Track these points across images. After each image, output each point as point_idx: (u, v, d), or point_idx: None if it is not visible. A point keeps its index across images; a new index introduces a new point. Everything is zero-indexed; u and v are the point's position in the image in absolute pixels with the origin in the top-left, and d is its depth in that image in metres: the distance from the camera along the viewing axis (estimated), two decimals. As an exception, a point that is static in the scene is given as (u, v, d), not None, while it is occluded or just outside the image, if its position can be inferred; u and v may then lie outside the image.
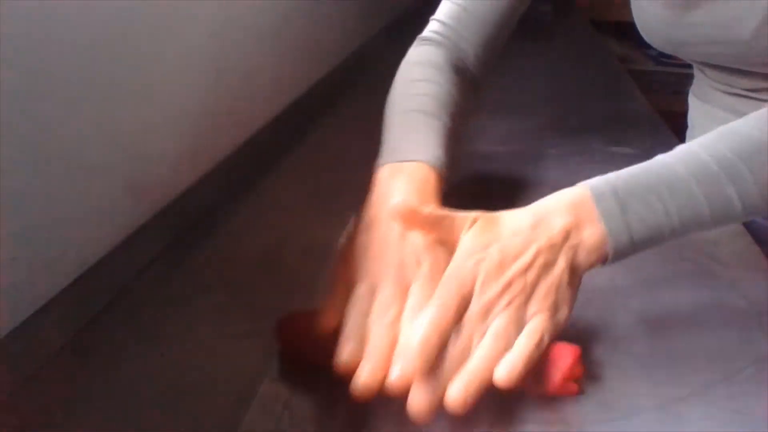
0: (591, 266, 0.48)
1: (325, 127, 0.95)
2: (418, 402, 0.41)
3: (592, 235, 0.48)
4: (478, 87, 0.72)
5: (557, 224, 0.48)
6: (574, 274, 0.47)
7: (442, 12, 0.72)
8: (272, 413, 0.44)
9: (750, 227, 0.67)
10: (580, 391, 0.45)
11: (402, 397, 0.42)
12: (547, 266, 0.46)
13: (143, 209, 0.62)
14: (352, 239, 0.51)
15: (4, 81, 0.44)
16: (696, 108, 0.86)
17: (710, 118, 0.81)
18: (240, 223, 0.69)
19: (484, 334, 0.44)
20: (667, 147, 0.52)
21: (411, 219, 0.48)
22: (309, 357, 0.47)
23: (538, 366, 0.44)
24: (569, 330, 0.46)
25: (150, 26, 0.60)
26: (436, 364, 0.42)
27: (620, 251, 0.48)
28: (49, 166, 0.49)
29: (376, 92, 0.67)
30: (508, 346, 0.44)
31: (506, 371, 0.42)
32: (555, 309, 0.46)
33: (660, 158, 0.51)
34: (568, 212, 0.48)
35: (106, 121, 0.55)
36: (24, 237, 0.47)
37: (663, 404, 0.44)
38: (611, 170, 0.53)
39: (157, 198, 0.64)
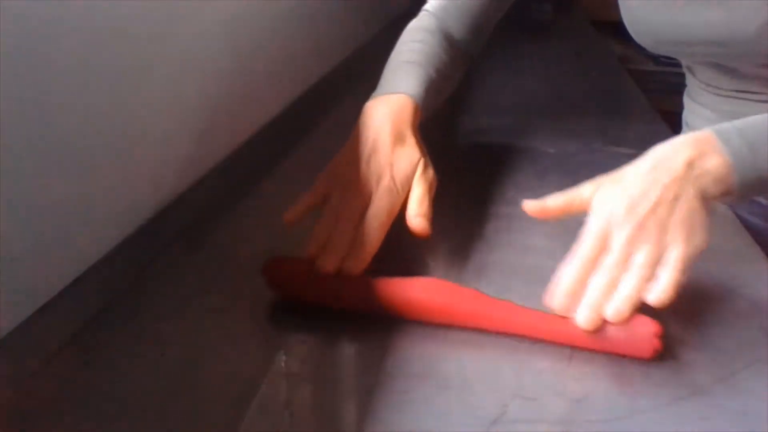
0: (720, 195, 0.50)
1: (325, 128, 0.95)
2: (583, 319, 0.47)
3: (715, 165, 0.50)
4: (468, 59, 0.78)
5: (678, 160, 0.50)
6: (705, 201, 0.49)
7: None
8: (272, 413, 0.44)
9: (749, 227, 0.67)
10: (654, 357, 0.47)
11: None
12: (677, 199, 0.49)
13: (143, 210, 0.62)
14: (335, 159, 0.60)
15: (4, 82, 0.44)
16: (689, 107, 0.86)
17: (702, 117, 0.81)
18: (240, 223, 0.70)
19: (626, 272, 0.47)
20: (667, 147, 0.52)
21: (545, 213, 0.54)
22: (293, 292, 0.54)
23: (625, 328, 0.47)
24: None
25: (149, 27, 0.60)
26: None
27: (746, 183, 0.50)
28: (49, 166, 0.49)
29: (376, 92, 0.67)
30: (650, 278, 0.47)
31: (658, 294, 0.46)
32: (691, 235, 0.48)
33: None
34: (688, 147, 0.51)
35: (105, 122, 0.55)
36: (24, 237, 0.47)
37: (663, 404, 0.44)
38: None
39: (156, 198, 0.64)
